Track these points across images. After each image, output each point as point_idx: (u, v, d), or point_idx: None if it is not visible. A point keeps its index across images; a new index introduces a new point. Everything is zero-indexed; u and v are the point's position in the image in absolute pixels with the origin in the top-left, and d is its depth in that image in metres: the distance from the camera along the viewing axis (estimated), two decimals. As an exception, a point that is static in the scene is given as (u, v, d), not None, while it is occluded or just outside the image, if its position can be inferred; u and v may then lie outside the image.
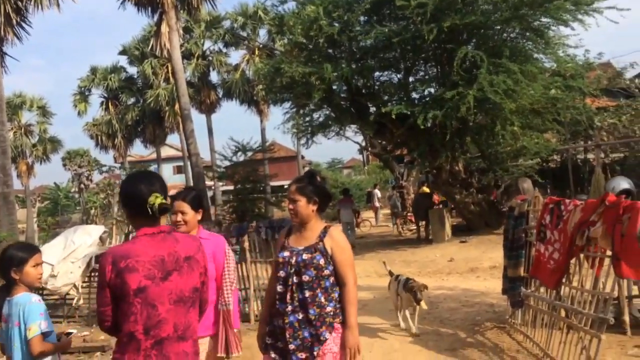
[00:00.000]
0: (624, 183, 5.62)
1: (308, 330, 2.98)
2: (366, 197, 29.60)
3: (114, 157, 39.03)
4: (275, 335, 3.09)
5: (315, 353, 2.95)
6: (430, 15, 11.41)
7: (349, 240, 12.46)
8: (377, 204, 24.28)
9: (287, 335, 2.99)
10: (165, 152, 48.85)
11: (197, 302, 2.46)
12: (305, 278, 3.01)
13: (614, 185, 5.59)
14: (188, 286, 2.38)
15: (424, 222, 15.61)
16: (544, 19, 12.36)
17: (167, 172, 50.19)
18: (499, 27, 12.70)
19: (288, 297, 3.02)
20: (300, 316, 3.00)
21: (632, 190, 5.51)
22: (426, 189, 17.06)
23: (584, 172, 15.29)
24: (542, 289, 5.29)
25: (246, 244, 7.90)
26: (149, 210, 2.30)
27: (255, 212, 19.86)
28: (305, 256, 3.03)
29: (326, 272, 3.04)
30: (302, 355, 2.97)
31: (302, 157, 47.11)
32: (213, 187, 36.79)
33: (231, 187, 22.43)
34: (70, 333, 3.44)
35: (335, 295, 3.06)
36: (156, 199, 2.31)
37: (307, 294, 3.00)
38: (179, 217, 3.39)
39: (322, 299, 3.01)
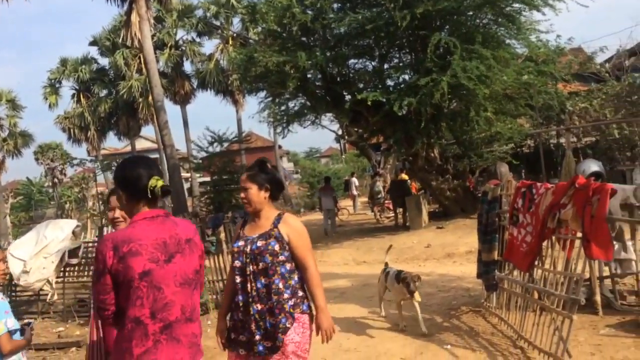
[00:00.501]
0: (593, 166, 5.71)
1: (268, 321, 2.97)
2: (344, 185, 29.69)
3: (87, 150, 38.31)
4: (237, 329, 3.07)
5: (278, 343, 2.95)
6: (403, 1, 11.41)
7: (330, 227, 12.57)
8: (355, 192, 24.34)
9: (253, 326, 2.97)
10: (141, 144, 48.22)
11: (199, 284, 2.49)
12: (262, 265, 2.99)
13: (584, 168, 5.67)
14: (191, 268, 2.41)
15: (401, 209, 15.70)
16: (515, 5, 12.43)
17: (142, 164, 49.49)
18: (471, 13, 12.74)
19: (248, 286, 3.01)
20: (260, 307, 2.98)
21: (601, 173, 5.61)
22: (404, 176, 17.16)
23: (556, 156, 15.52)
24: (515, 272, 5.36)
25: (222, 235, 7.86)
26: (149, 193, 2.33)
27: (233, 203, 19.72)
28: (259, 243, 3.02)
29: (281, 257, 3.02)
30: (268, 343, 2.96)
31: (280, 147, 46.88)
32: (190, 179, 36.46)
33: (208, 179, 22.23)
34: (29, 323, 3.39)
35: (293, 282, 3.05)
36: (157, 182, 2.34)
37: (265, 281, 2.99)
38: (117, 213, 3.24)
39: (280, 285, 2.99)
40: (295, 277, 3.07)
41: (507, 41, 13.38)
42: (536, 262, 4.77)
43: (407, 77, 13.49)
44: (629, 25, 52.63)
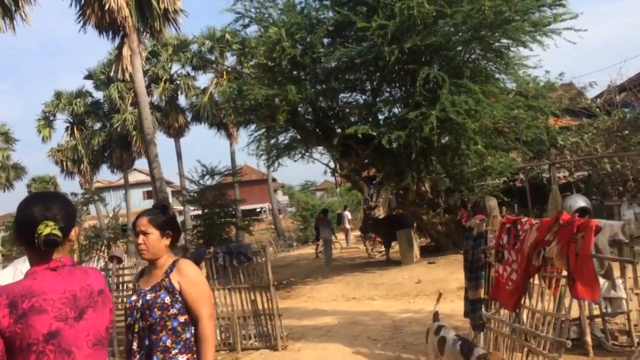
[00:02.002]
0: (580, 201, 5.58)
1: None
2: (336, 219, 29.49)
3: (80, 183, 38.12)
4: None
5: None
6: (392, 36, 11.45)
7: (326, 257, 12.31)
8: (347, 226, 24.14)
9: None
10: (135, 177, 48.16)
11: (107, 345, 2.11)
12: (150, 320, 2.70)
13: (570, 204, 5.54)
14: (103, 325, 2.04)
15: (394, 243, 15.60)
16: (503, 40, 12.53)
17: (136, 197, 49.40)
18: (460, 48, 12.82)
19: (135, 345, 2.72)
20: None
21: (588, 209, 5.47)
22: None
23: (549, 191, 15.42)
24: (502, 311, 5.16)
25: (204, 271, 7.64)
26: (35, 241, 1.91)
27: (224, 237, 19.48)
28: (149, 296, 2.74)
29: (173, 311, 2.71)
30: None
31: (274, 180, 46.86)
32: (183, 212, 36.22)
33: (200, 212, 22.04)
34: None
35: (188, 335, 2.73)
36: (45, 228, 1.91)
37: (153, 337, 2.68)
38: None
39: (168, 343, 2.68)
40: (192, 330, 2.74)
41: (497, 76, 13.48)
42: (522, 301, 4.59)
43: (397, 110, 13.50)
44: (619, 61, 53.38)
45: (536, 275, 4.48)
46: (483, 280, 5.43)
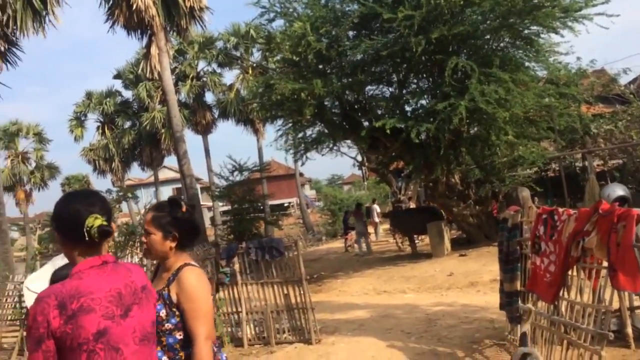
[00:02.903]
0: (619, 190, 5.44)
1: None
2: (365, 212, 29.40)
3: (111, 181, 38.82)
4: None
5: None
6: (418, 27, 11.32)
7: (363, 248, 12.26)
8: (376, 219, 24.04)
9: None
10: (164, 174, 48.83)
11: (155, 339, 2.13)
12: None
13: (608, 193, 5.40)
14: (149, 320, 2.05)
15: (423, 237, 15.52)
16: (533, 27, 12.28)
17: (166, 194, 49.93)
18: (488, 37, 12.61)
19: None
20: None
21: (627, 197, 5.33)
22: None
23: (582, 180, 15.11)
24: (540, 304, 5.08)
25: (237, 266, 7.71)
26: (86, 234, 1.92)
27: (254, 232, 19.64)
28: None
29: (168, 325, 2.44)
30: None
31: (301, 175, 46.91)
32: (212, 208, 36.62)
33: (229, 208, 22.26)
34: None
35: (185, 354, 2.45)
36: (95, 220, 1.94)
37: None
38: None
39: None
40: (191, 349, 2.43)
41: (527, 64, 13.22)
42: (561, 293, 4.51)
43: (424, 102, 13.37)
44: (653, 45, 51.79)
45: (575, 267, 4.39)
46: (519, 272, 5.36)
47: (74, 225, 1.95)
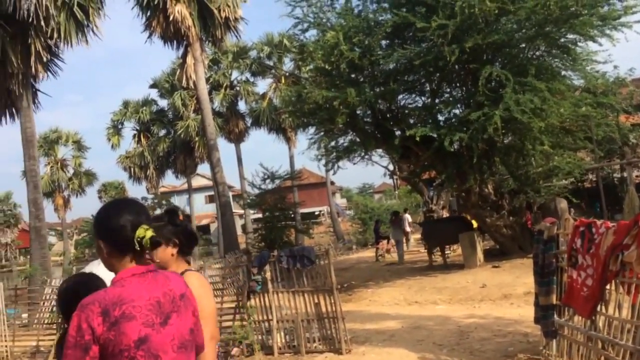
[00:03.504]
0: (660, 202, 5.28)
1: None
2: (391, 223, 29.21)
3: (146, 188, 39.65)
4: None
5: None
6: (452, 36, 11.25)
7: (397, 254, 12.07)
8: (407, 229, 23.85)
9: None
10: (197, 182, 49.51)
11: (194, 346, 2.16)
12: None
13: (649, 205, 5.25)
14: (187, 328, 2.09)
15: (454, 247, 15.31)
16: (570, 36, 12.09)
17: (198, 201, 50.78)
18: (523, 46, 12.46)
19: None
20: None
21: (669, 210, 5.17)
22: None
23: (620, 191, 14.73)
24: (576, 318, 4.97)
25: (268, 274, 7.76)
26: (137, 245, 1.97)
27: (285, 240, 19.74)
28: None
29: None
30: None
31: (332, 183, 47.01)
32: (244, 215, 36.97)
33: (261, 215, 22.44)
34: None
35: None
36: (146, 232, 1.99)
37: None
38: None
39: None
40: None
41: (563, 73, 13.01)
42: (599, 308, 4.40)
43: (457, 111, 13.26)
44: (696, 53, 50.16)
45: (613, 281, 4.29)
46: (555, 285, 5.25)
47: (125, 236, 1.99)
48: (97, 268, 8.49)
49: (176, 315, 2.03)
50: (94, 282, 2.75)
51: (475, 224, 15.61)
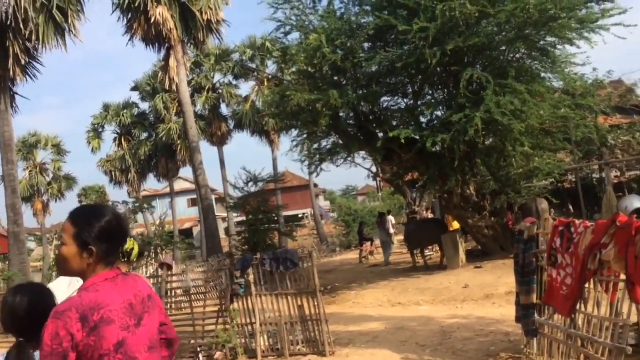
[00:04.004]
0: (637, 202, 5.38)
1: None
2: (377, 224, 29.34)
3: (127, 192, 39.26)
4: None
5: None
6: (433, 38, 11.34)
7: (385, 256, 12.16)
8: (391, 230, 23.93)
9: None
10: (180, 185, 49.16)
11: (159, 345, 2.21)
12: None
13: (626, 205, 5.35)
14: (156, 328, 2.14)
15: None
16: (549, 39, 12.24)
17: (181, 205, 50.43)
18: (504, 48, 12.59)
19: None
20: None
21: (646, 209, 5.26)
22: (455, 224, 16.29)
23: (599, 192, 14.94)
24: (556, 317, 5.02)
25: (251, 277, 7.73)
26: (123, 255, 2.07)
27: (268, 243, 19.67)
28: None
29: None
30: None
31: (316, 186, 46.99)
32: (227, 219, 36.81)
33: (244, 218, 22.34)
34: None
35: None
36: (134, 244, 2.14)
37: None
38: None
39: None
40: None
41: (542, 75, 13.17)
42: (578, 306, 4.46)
43: (439, 113, 13.36)
44: (672, 56, 51.13)
45: (592, 280, 4.35)
46: (535, 285, 5.31)
47: (117, 244, 2.04)
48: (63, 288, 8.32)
49: (147, 316, 2.07)
50: (48, 292, 2.54)
51: (456, 225, 15.74)
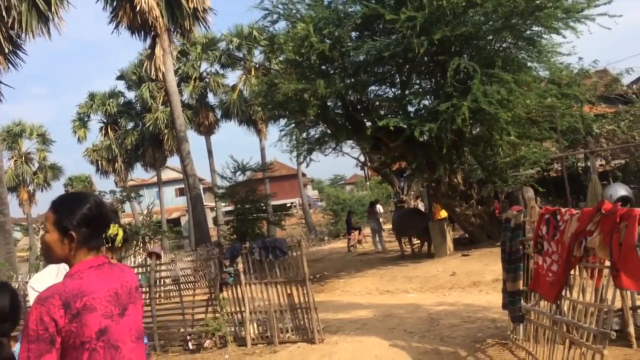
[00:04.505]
0: (621, 190, 5.46)
1: None
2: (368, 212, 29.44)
3: (114, 181, 38.94)
4: None
5: None
6: (421, 28, 11.34)
7: (379, 247, 12.31)
8: (381, 219, 24.05)
9: None
10: (167, 175, 48.89)
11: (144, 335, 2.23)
12: None
13: (611, 193, 5.43)
14: (140, 319, 2.15)
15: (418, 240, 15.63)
16: (535, 28, 12.31)
17: (169, 194, 50.20)
18: (490, 38, 12.64)
19: None
20: None
21: (630, 197, 5.36)
22: (443, 213, 16.27)
23: (584, 180, 15.12)
24: (542, 303, 5.11)
25: (240, 266, 7.76)
26: (107, 240, 2.06)
27: (257, 232, 19.66)
28: None
29: None
30: None
31: (304, 175, 46.97)
32: (215, 208, 36.70)
33: (232, 208, 22.28)
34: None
35: None
36: (119, 230, 2.10)
37: None
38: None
39: None
40: None
41: (529, 64, 13.24)
42: (563, 293, 4.54)
43: (427, 102, 13.41)
44: (656, 45, 51.64)
45: (577, 266, 4.43)
46: (522, 271, 5.39)
47: (101, 230, 2.06)
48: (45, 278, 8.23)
49: (133, 307, 2.08)
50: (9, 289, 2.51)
51: (444, 213, 15.83)
